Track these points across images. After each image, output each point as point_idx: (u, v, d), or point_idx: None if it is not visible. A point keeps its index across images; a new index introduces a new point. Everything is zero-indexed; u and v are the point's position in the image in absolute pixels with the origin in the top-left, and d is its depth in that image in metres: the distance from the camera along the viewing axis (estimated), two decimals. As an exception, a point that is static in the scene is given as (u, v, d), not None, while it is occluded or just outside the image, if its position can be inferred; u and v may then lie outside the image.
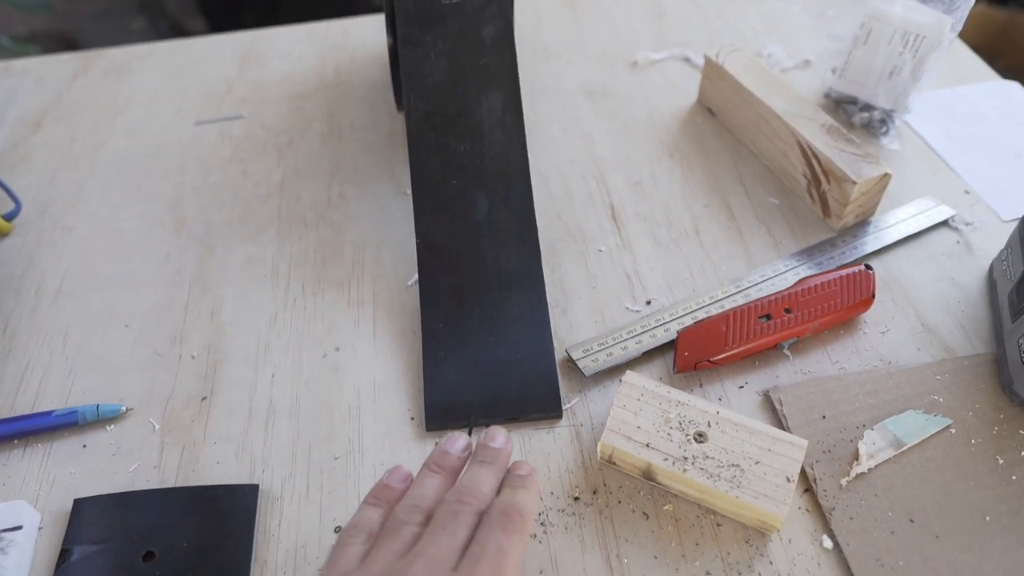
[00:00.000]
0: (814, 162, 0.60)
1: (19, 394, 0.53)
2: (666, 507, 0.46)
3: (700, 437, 0.46)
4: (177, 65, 0.81)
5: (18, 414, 0.52)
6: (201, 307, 0.57)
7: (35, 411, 0.52)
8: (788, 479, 0.44)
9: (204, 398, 0.52)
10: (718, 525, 0.45)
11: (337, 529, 0.46)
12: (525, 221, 0.55)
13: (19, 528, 0.43)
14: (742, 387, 0.51)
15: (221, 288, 0.58)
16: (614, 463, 0.47)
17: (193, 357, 0.54)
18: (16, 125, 0.74)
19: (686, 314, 0.54)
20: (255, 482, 0.47)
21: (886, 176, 0.58)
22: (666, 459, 0.45)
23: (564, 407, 0.50)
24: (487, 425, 0.49)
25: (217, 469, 0.48)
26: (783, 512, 0.43)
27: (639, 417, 0.47)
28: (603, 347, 0.52)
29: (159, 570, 0.43)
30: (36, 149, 0.71)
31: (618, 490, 0.47)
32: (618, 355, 0.52)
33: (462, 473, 0.42)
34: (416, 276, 0.57)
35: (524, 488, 0.40)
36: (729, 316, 0.52)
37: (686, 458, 0.45)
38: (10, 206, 0.65)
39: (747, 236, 0.60)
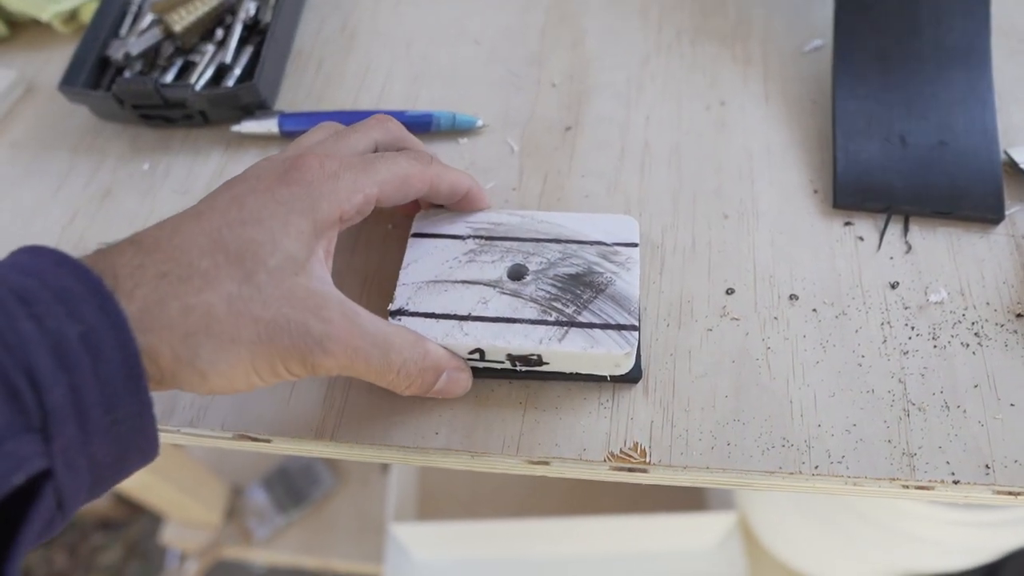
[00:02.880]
0: None
1: (360, 93, 0.49)
2: None
3: None
4: None
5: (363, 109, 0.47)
6: (560, 35, 0.50)
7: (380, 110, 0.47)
8: None
9: (568, 128, 0.46)
10: None
11: (730, 291, 0.39)
12: (977, -11, 0.45)
13: (636, 245, 0.37)
14: None
15: (582, 19, 0.51)
16: (1076, 284, 0.38)
17: (554, 85, 0.48)
18: None
19: None
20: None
21: None
22: None
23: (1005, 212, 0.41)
24: (907, 215, 0.41)
25: (586, 203, 0.43)
26: None
27: (1126, 234, 0.37)
28: (1054, 155, 0.42)
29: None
30: None
31: (1070, 318, 0.38)
32: (1075, 167, 0.42)
33: None
34: (815, 43, 0.48)
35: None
36: None
37: None
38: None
39: None
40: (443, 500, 0.98)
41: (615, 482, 0.37)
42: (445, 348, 0.34)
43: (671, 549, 0.93)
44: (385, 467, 1.10)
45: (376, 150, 0.36)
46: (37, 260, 0.26)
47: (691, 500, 0.94)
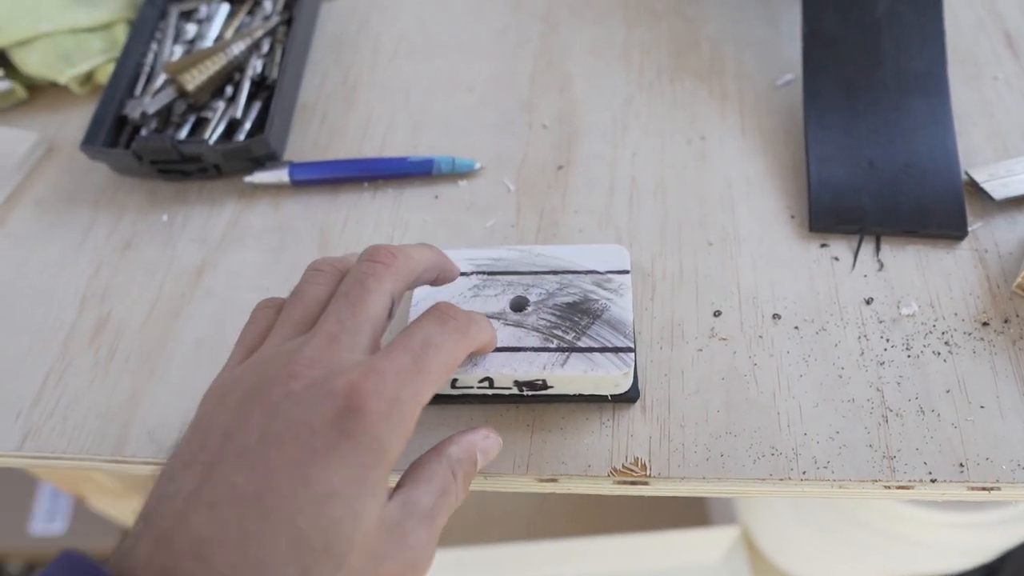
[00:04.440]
0: None
1: (364, 142, 0.52)
2: (1092, 350, 0.40)
3: None
4: None
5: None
6: (548, 81, 0.53)
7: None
8: None
9: (560, 167, 0.49)
10: None
11: (717, 313, 0.42)
12: (932, 20, 0.48)
13: (627, 272, 0.40)
14: None
15: (568, 65, 0.54)
16: (1035, 293, 0.41)
17: (545, 127, 0.51)
18: None
19: (1111, 153, 0.47)
20: (622, 254, 0.44)
21: None
22: (1115, 292, 0.39)
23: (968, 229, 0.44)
24: (878, 235, 0.44)
25: (580, 237, 0.46)
26: None
27: (1078, 245, 0.40)
28: (1011, 174, 0.46)
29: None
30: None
31: (1033, 324, 0.41)
32: (1032, 184, 0.45)
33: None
34: (787, 77, 0.52)
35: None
36: None
37: None
38: (341, -34, 0.63)
39: None
40: (452, 526, 1.00)
41: (620, 502, 0.39)
42: (454, 378, 0.37)
43: (676, 566, 0.95)
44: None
45: (392, 303, 0.32)
46: None
47: (694, 516, 0.96)
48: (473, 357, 0.37)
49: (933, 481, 0.37)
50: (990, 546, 0.75)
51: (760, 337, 0.41)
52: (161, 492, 0.27)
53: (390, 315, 0.31)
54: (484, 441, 0.33)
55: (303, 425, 0.26)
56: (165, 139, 0.48)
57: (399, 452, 0.28)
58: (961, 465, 0.37)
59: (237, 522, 0.25)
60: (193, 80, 0.51)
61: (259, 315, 0.33)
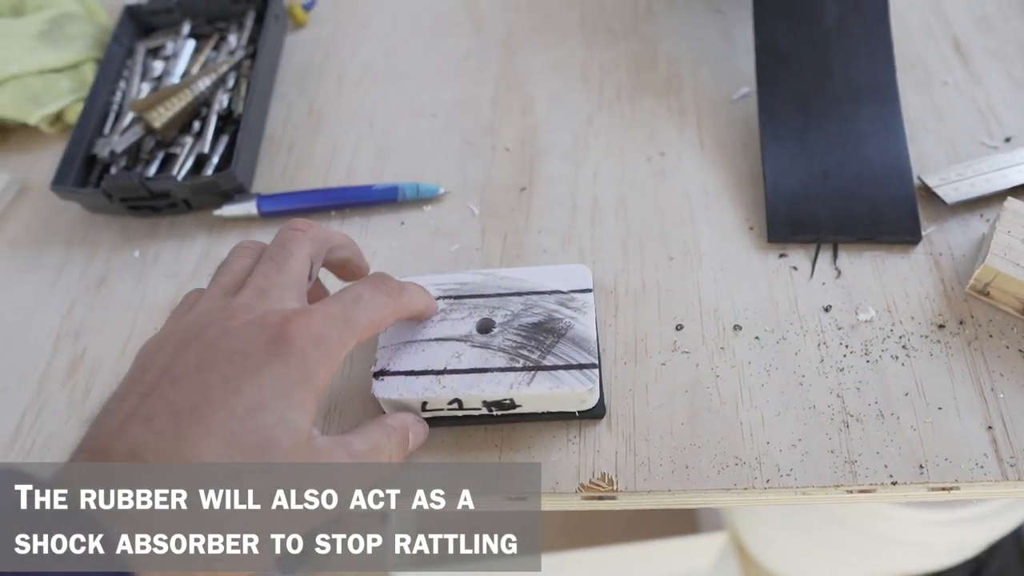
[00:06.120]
0: None
1: (330, 171, 0.53)
2: (1047, 347, 0.41)
3: (1101, 273, 0.40)
4: None
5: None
6: (510, 103, 0.54)
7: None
8: None
9: (523, 189, 0.50)
10: (1110, 374, 0.40)
11: (679, 327, 0.43)
12: (879, 31, 0.50)
13: (590, 290, 0.41)
14: None
15: (528, 87, 0.55)
16: (988, 294, 0.42)
17: (507, 149, 0.52)
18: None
19: (1058, 153, 0.48)
20: (585, 273, 0.45)
21: None
22: (1063, 290, 0.40)
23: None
24: (835, 243, 0.45)
25: (544, 256, 0.46)
26: None
27: (1027, 245, 0.41)
28: (962, 178, 0.47)
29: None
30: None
31: (988, 324, 0.42)
32: (981, 186, 0.46)
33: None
34: (742, 91, 0.53)
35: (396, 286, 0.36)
36: (1121, 155, 0.46)
37: (1087, 292, 0.39)
38: (305, -3, 0.64)
39: (1121, 82, 0.52)
40: (443, 545, 1.00)
41: (609, 513, 0.40)
42: (424, 400, 0.38)
43: (669, 574, 0.96)
44: (383, 517, 1.12)
45: (311, 265, 0.36)
46: None
47: (684, 524, 0.97)
48: (440, 378, 0.38)
49: (894, 483, 0.37)
50: (974, 542, 0.76)
51: (722, 348, 0.42)
52: (96, 423, 0.29)
53: (310, 277, 0.35)
54: (416, 424, 0.37)
55: (237, 351, 0.29)
56: (134, 177, 0.49)
57: (324, 382, 0.30)
58: (921, 466, 0.38)
59: (173, 428, 0.27)
60: (160, 117, 0.52)
61: (192, 296, 0.35)
